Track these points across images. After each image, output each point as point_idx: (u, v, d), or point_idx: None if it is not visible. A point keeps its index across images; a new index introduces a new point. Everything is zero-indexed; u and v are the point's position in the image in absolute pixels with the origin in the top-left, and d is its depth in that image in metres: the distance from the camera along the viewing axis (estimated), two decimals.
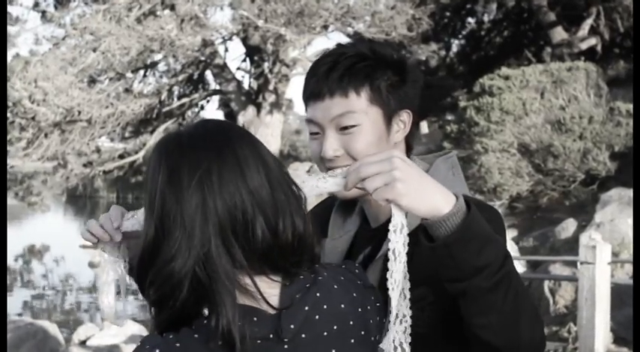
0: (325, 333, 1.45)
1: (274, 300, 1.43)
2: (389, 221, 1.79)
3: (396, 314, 1.45)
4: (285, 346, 1.41)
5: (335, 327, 1.45)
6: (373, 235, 1.87)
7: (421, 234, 1.50)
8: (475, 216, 1.46)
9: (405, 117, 1.86)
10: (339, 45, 1.90)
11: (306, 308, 1.44)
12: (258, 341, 1.40)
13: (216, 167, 1.42)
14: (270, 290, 1.44)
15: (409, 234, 1.71)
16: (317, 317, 1.45)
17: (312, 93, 1.83)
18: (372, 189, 1.46)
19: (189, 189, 1.40)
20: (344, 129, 1.80)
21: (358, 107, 1.79)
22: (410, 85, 1.87)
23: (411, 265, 1.67)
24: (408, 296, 1.48)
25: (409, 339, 1.48)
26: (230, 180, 1.41)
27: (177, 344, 1.39)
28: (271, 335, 1.41)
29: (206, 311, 1.43)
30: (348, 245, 1.93)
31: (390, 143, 1.84)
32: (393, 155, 1.46)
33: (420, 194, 1.46)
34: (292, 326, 1.42)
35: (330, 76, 1.80)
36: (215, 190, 1.40)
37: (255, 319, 1.41)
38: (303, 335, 1.43)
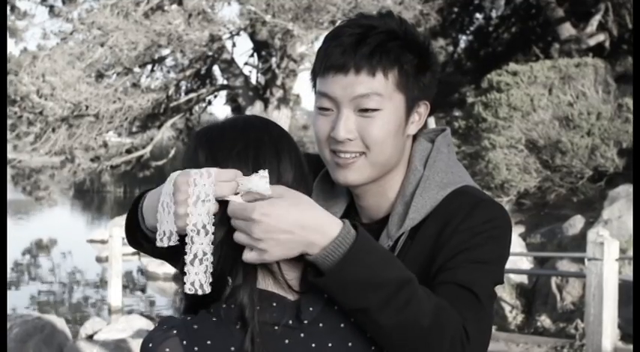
0: (342, 325, 1.46)
1: (294, 283, 1.46)
2: (382, 220, 1.78)
3: (195, 254, 1.42)
4: (302, 334, 1.43)
5: (352, 320, 1.46)
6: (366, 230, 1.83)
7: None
8: (356, 257, 1.41)
9: (422, 109, 1.77)
10: (363, 16, 1.74)
11: (326, 295, 1.45)
12: (276, 327, 1.42)
13: (253, 146, 1.47)
14: (291, 272, 1.47)
15: (410, 229, 1.71)
16: (335, 307, 1.46)
17: (334, 65, 1.66)
18: (240, 243, 1.42)
19: (228, 160, 1.46)
20: (364, 111, 1.66)
21: (384, 90, 1.66)
22: (431, 73, 1.75)
23: (405, 259, 1.67)
24: (211, 231, 1.43)
25: (210, 279, 1.43)
26: (265, 164, 1.46)
27: (195, 326, 1.42)
28: (290, 322, 1.43)
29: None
30: None
31: (404, 135, 1.74)
32: (253, 216, 1.39)
33: (288, 251, 1.41)
34: (311, 309, 1.44)
35: (358, 49, 1.64)
36: (250, 165, 1.45)
37: (274, 304, 1.43)
38: (321, 325, 1.44)
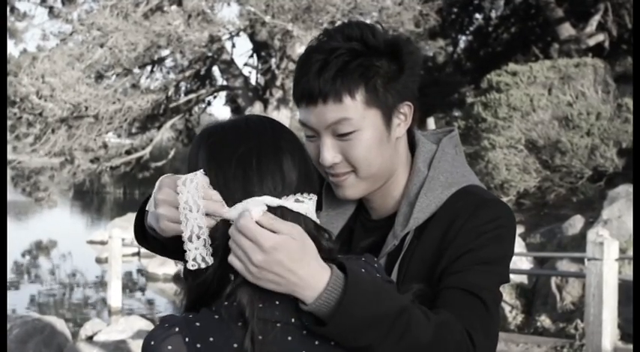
0: None
1: None
2: (391, 216, 1.80)
3: (191, 230, 1.45)
4: (304, 331, 1.43)
5: None
6: (375, 227, 1.84)
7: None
8: (350, 300, 1.41)
9: (405, 110, 1.75)
10: (327, 36, 1.72)
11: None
12: (278, 325, 1.42)
13: (256, 147, 1.48)
14: None
15: (416, 229, 1.73)
16: None
17: (303, 96, 1.69)
18: (231, 249, 1.42)
19: (231, 162, 1.47)
20: (341, 135, 1.68)
21: (354, 112, 1.67)
22: (408, 73, 1.72)
23: (412, 259, 1.70)
24: (202, 205, 1.45)
25: (211, 250, 1.45)
26: (268, 164, 1.47)
27: (197, 324, 1.42)
28: (293, 320, 1.43)
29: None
30: (344, 223, 1.88)
31: (392, 140, 1.74)
32: (264, 249, 1.39)
33: (275, 287, 1.41)
34: None
35: (321, 76, 1.65)
36: (254, 167, 1.46)
37: (277, 302, 1.44)
38: None
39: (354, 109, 1.67)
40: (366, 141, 1.69)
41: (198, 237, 1.45)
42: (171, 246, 1.57)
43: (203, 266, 1.44)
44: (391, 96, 1.71)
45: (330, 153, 1.70)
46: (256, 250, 1.39)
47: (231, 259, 1.42)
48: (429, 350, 1.47)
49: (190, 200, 1.44)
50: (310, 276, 1.42)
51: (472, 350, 1.53)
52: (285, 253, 1.40)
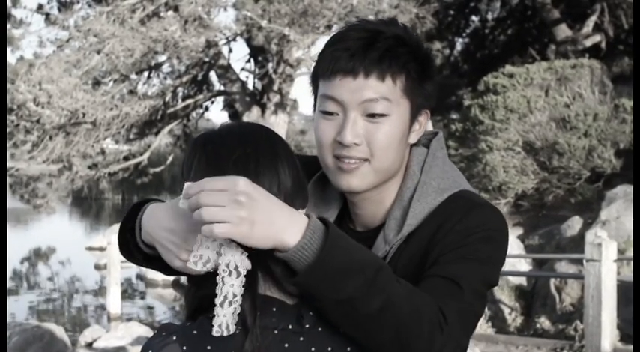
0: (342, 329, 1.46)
1: (293, 289, 1.45)
2: (378, 228, 1.77)
3: (225, 296, 1.39)
4: (301, 338, 1.43)
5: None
6: (360, 238, 1.72)
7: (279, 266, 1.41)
8: (333, 244, 1.36)
9: (423, 118, 1.75)
10: (367, 21, 1.73)
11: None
12: (275, 331, 1.42)
13: (252, 153, 1.47)
14: (290, 278, 1.45)
15: (404, 241, 1.71)
16: None
17: (343, 69, 1.64)
18: (208, 221, 1.32)
19: (228, 166, 1.44)
20: (371, 115, 1.65)
21: (392, 95, 1.65)
22: (432, 82, 1.73)
23: (399, 260, 1.68)
24: (243, 274, 1.39)
25: (236, 319, 1.39)
26: (265, 168, 1.46)
27: (195, 332, 1.42)
28: (290, 326, 1.43)
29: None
30: None
31: (406, 143, 1.73)
32: (239, 187, 1.33)
33: (266, 232, 1.34)
34: (311, 313, 1.44)
35: (368, 54, 1.63)
36: (251, 172, 1.44)
37: (274, 309, 1.43)
38: (320, 329, 1.44)
39: (393, 92, 1.65)
40: (392, 129, 1.67)
41: (230, 304, 1.39)
42: (159, 262, 1.54)
43: (226, 333, 1.39)
44: (421, 96, 1.71)
45: (354, 132, 1.65)
46: (233, 195, 1.32)
47: (218, 227, 1.32)
48: (406, 316, 1.40)
49: (232, 264, 1.39)
50: (289, 214, 1.37)
51: (445, 326, 1.46)
52: (258, 191, 1.35)
